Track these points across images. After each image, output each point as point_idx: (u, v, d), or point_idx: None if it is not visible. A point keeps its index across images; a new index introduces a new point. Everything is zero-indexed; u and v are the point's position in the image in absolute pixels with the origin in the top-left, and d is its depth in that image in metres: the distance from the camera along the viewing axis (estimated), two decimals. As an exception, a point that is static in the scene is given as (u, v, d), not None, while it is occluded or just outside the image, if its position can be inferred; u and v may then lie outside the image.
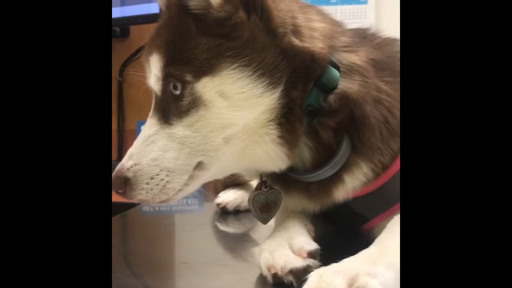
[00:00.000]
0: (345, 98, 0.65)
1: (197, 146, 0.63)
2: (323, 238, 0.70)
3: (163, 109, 0.65)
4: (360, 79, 0.67)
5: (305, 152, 0.68)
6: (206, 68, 0.61)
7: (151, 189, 0.63)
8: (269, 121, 0.63)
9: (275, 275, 0.60)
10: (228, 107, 0.62)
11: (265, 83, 0.61)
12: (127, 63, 2.01)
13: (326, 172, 0.66)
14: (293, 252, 0.63)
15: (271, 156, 0.65)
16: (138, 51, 1.82)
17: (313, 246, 0.64)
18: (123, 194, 0.64)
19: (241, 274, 0.69)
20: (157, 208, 1.14)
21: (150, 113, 0.67)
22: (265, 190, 0.72)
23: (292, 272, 0.60)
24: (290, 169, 0.69)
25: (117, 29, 1.98)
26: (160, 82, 0.65)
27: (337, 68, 0.66)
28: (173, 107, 0.63)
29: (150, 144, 0.64)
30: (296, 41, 0.64)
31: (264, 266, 0.62)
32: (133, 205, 1.07)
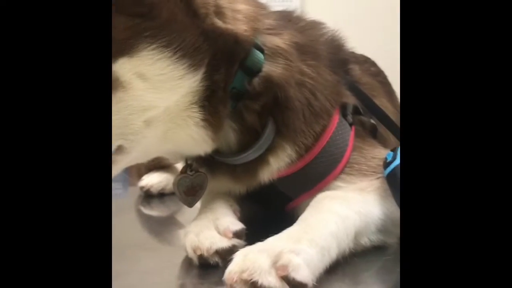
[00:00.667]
0: (269, 81, 0.66)
1: (115, 129, 0.59)
2: (249, 218, 0.70)
3: None
4: (284, 62, 0.67)
5: (231, 134, 0.68)
6: (123, 48, 0.57)
7: None
8: (192, 103, 0.62)
9: (201, 257, 0.60)
10: (147, 89, 0.59)
11: (185, 64, 0.60)
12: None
13: (251, 154, 0.67)
14: (219, 233, 0.63)
15: (195, 139, 0.65)
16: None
17: (238, 226, 0.64)
18: None
19: (166, 257, 0.68)
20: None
21: None
22: (191, 173, 0.72)
23: (218, 252, 0.60)
24: (216, 151, 0.69)
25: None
26: None
27: (262, 51, 0.66)
28: None
29: None
30: (218, 23, 0.63)
31: (190, 248, 0.62)
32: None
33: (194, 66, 0.60)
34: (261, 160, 0.68)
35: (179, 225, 0.76)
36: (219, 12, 0.64)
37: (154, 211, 1.00)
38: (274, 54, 0.67)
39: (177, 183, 0.71)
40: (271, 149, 0.68)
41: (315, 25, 0.78)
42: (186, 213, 0.85)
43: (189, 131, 0.64)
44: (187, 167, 0.72)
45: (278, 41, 0.69)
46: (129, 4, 0.58)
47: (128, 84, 0.58)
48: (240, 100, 0.66)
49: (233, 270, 0.50)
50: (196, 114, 0.63)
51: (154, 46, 0.58)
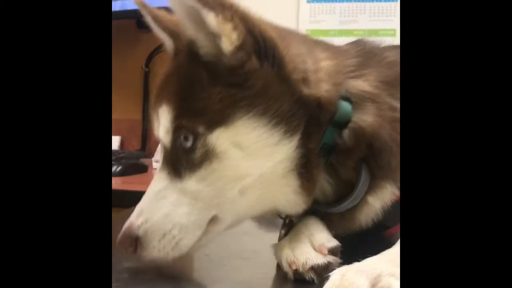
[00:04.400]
0: (360, 134, 0.63)
1: (211, 200, 0.60)
2: (343, 235, 0.69)
3: (174, 162, 0.62)
4: (373, 107, 0.64)
5: (326, 186, 0.67)
6: (219, 119, 0.58)
7: (164, 247, 0.60)
8: (288, 170, 0.62)
9: (296, 272, 0.60)
10: (243, 157, 0.59)
11: (281, 131, 0.59)
12: (154, 53, 2.03)
13: (347, 204, 0.65)
14: (314, 248, 0.62)
15: (290, 203, 0.65)
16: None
17: (333, 243, 0.63)
18: (133, 253, 0.61)
19: (262, 269, 0.69)
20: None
21: (160, 167, 0.64)
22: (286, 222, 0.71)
23: (313, 268, 0.60)
24: (312, 202, 0.68)
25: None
26: (170, 135, 0.61)
27: (349, 99, 0.64)
28: (184, 160, 0.60)
29: (161, 199, 0.61)
30: (304, 90, 0.62)
31: (285, 262, 0.62)
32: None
33: (289, 132, 0.60)
34: (360, 202, 0.66)
35: (275, 239, 0.76)
36: (305, 78, 0.62)
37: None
38: (361, 100, 0.64)
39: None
40: (369, 191, 0.65)
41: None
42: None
43: (287, 198, 0.64)
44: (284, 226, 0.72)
45: (363, 84, 0.66)
46: (224, 74, 0.59)
47: (224, 154, 0.59)
48: (332, 153, 0.64)
49: (330, 289, 0.49)
50: (292, 181, 0.62)
51: (250, 115, 0.59)
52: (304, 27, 1.98)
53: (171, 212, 0.60)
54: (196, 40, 0.61)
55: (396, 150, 0.65)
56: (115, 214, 0.65)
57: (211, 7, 0.56)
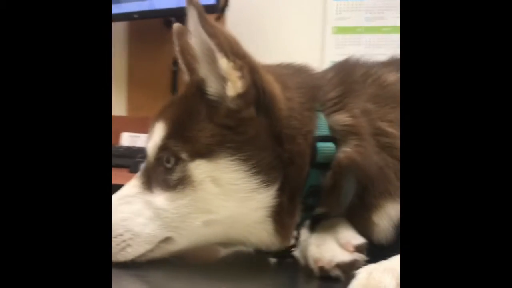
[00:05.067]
0: (337, 168, 0.64)
1: (171, 221, 0.63)
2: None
3: (151, 175, 0.65)
4: (356, 139, 0.64)
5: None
6: (204, 152, 0.61)
7: (112, 248, 0.61)
8: (265, 217, 0.63)
9: (321, 269, 0.60)
10: (217, 194, 0.61)
11: (259, 180, 0.61)
12: (181, 52, 2.04)
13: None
14: (340, 246, 0.63)
15: (267, 243, 0.66)
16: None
17: (360, 240, 0.63)
18: None
19: (287, 265, 0.69)
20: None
21: (138, 173, 0.67)
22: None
23: (339, 266, 0.60)
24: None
25: (173, 19, 2.02)
26: (156, 150, 0.65)
27: (330, 139, 0.65)
28: (161, 177, 0.63)
29: (124, 203, 0.64)
30: (287, 146, 0.63)
31: (311, 259, 0.62)
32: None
33: (267, 182, 0.62)
34: (366, 224, 0.67)
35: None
36: (293, 135, 0.64)
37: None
38: (344, 135, 0.65)
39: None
40: (373, 211, 0.66)
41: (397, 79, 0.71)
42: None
43: (260, 238, 0.65)
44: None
45: (344, 118, 0.66)
46: (221, 115, 0.62)
47: (199, 184, 0.62)
48: (320, 192, 0.65)
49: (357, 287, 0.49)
50: (268, 226, 0.64)
51: (234, 157, 0.61)
52: (330, 24, 1.97)
53: (129, 218, 0.63)
54: (207, 80, 0.65)
55: (393, 176, 0.65)
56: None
57: (226, 53, 0.60)
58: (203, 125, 0.62)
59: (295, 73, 0.72)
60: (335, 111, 0.67)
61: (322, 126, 0.65)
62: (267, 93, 0.63)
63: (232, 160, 0.61)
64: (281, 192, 0.63)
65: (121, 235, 0.62)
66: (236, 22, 1.95)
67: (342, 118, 0.66)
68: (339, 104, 0.68)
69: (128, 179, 0.69)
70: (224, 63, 0.60)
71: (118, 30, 2.24)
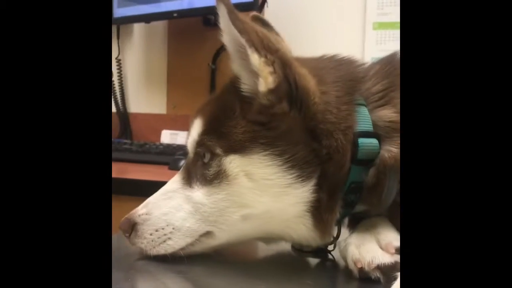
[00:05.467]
0: (382, 168, 0.62)
1: (209, 216, 0.64)
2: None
3: (190, 171, 0.67)
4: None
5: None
6: (237, 147, 0.62)
7: (152, 240, 0.65)
8: (304, 212, 0.63)
9: (361, 270, 0.59)
10: (251, 188, 0.62)
11: (294, 175, 0.61)
12: (221, 51, 2.06)
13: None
14: (380, 247, 0.61)
15: (306, 238, 0.66)
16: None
17: (401, 242, 0.62)
18: (128, 237, 0.67)
19: (326, 266, 0.69)
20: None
21: (180, 170, 0.69)
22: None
23: (379, 267, 0.58)
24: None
25: (212, 17, 2.03)
26: (194, 146, 0.67)
27: (374, 135, 0.63)
28: (199, 172, 0.65)
29: (166, 199, 0.67)
30: (324, 141, 0.62)
31: (351, 260, 0.61)
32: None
33: (302, 177, 0.61)
34: None
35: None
36: (327, 131, 0.62)
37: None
38: (388, 132, 0.63)
39: None
40: None
41: None
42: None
43: (299, 232, 0.65)
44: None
45: (389, 114, 0.64)
46: (253, 111, 0.62)
47: (234, 179, 0.62)
48: (362, 190, 0.64)
49: (397, 290, 0.48)
50: (307, 221, 0.63)
51: (267, 152, 0.61)
52: (371, 20, 1.93)
53: (170, 212, 0.65)
54: (240, 76, 0.66)
55: None
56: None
57: (257, 48, 0.60)
58: (237, 121, 0.63)
59: (336, 66, 0.71)
60: (379, 106, 0.65)
61: (364, 121, 0.64)
62: (300, 87, 0.62)
63: (265, 155, 0.61)
64: (319, 187, 0.62)
65: (162, 228, 0.65)
66: (275, 19, 1.94)
67: (386, 113, 0.65)
68: (384, 99, 0.66)
69: (168, 176, 0.70)
70: (255, 58, 0.61)
71: (158, 29, 2.27)
